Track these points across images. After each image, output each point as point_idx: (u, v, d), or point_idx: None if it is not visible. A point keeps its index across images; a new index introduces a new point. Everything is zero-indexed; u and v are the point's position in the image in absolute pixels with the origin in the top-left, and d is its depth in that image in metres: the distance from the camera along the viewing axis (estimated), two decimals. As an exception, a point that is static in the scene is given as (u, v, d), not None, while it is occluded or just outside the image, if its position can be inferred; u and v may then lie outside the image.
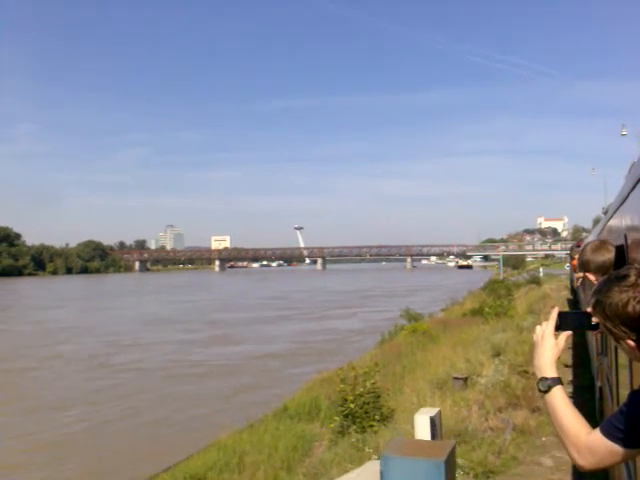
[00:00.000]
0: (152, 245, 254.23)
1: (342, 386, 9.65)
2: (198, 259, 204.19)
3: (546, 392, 1.72)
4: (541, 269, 69.20)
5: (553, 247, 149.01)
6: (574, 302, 25.12)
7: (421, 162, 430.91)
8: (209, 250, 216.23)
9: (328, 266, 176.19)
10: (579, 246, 17.82)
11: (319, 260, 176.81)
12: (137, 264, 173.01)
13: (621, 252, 2.69)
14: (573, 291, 27.97)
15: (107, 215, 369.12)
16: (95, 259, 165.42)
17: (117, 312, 44.99)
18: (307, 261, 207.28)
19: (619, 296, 1.49)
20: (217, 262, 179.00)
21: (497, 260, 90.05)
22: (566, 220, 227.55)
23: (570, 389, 9.73)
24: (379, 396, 9.46)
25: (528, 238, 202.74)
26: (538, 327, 1.84)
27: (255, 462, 9.29)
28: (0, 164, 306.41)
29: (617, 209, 3.54)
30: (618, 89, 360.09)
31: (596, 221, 41.16)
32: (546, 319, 1.86)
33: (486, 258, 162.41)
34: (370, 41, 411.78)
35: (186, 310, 45.96)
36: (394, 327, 24.31)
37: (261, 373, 20.38)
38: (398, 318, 25.94)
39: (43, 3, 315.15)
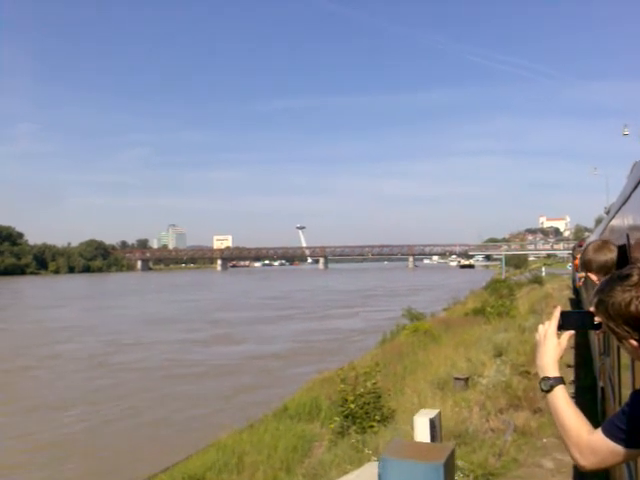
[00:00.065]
0: (154, 244, 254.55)
1: (342, 386, 9.57)
2: (200, 258, 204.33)
3: (548, 392, 1.73)
4: (543, 269, 69.01)
5: (555, 247, 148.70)
6: (576, 302, 25.10)
7: (421, 162, 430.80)
8: (211, 249, 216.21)
9: (330, 265, 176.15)
10: (581, 246, 17.78)
11: (321, 259, 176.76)
12: (139, 263, 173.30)
13: (623, 252, 2.70)
14: (575, 291, 27.94)
15: (109, 215, 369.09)
16: (97, 258, 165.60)
17: (119, 311, 45.03)
18: (309, 260, 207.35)
19: (622, 295, 1.49)
20: (219, 261, 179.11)
21: (499, 260, 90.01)
22: (568, 220, 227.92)
23: (572, 389, 9.68)
24: (380, 396, 9.39)
25: (530, 238, 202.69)
26: (541, 326, 1.84)
27: (254, 462, 9.24)
28: (1, 164, 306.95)
29: (619, 209, 3.53)
30: (619, 89, 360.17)
31: (598, 221, 41.02)
32: (548, 319, 1.85)
33: (488, 258, 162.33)
34: (370, 41, 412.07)
35: (188, 309, 45.96)
36: (395, 327, 24.26)
37: (262, 373, 20.35)
38: (400, 318, 25.87)
39: (43, 3, 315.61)
